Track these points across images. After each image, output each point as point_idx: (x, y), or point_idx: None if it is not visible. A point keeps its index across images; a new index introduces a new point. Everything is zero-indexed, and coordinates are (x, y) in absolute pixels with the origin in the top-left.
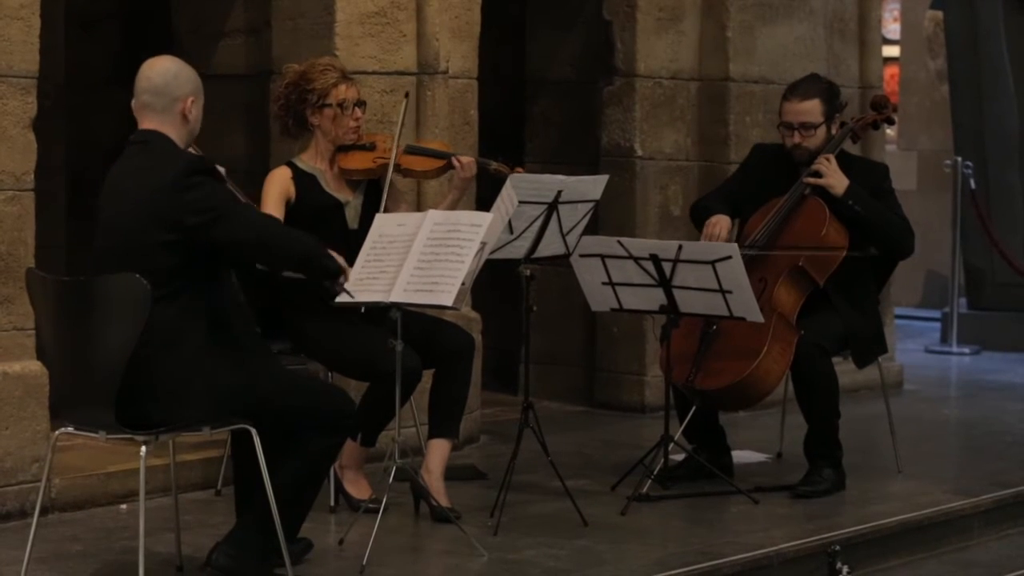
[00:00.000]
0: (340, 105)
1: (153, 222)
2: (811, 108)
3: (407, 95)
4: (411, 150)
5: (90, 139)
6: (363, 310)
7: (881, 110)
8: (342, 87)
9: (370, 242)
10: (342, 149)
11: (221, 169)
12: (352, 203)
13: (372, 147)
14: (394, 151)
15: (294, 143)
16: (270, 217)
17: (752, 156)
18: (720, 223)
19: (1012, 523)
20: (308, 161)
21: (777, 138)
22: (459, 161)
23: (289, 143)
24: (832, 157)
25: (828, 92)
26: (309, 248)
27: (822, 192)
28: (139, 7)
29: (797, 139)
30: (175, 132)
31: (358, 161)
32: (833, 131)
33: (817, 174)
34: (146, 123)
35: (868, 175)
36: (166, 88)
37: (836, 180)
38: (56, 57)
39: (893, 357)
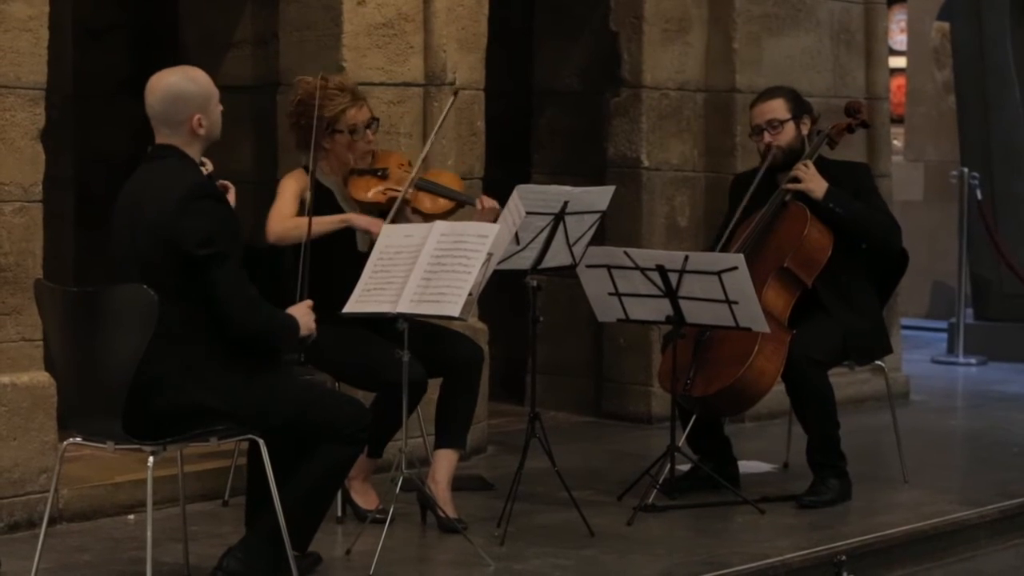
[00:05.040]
0: (351, 131)
1: (159, 244)
2: (776, 106)
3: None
4: (423, 186)
5: (98, 150)
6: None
7: (855, 115)
8: (351, 111)
9: (377, 253)
10: (354, 172)
11: (230, 188)
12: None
13: (383, 175)
14: (406, 187)
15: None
16: (256, 294)
17: (734, 188)
18: None
19: (1018, 533)
20: (325, 173)
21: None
22: (482, 203)
23: (297, 154)
24: (810, 163)
25: (792, 93)
26: (267, 329)
27: (804, 197)
28: (147, 18)
29: (767, 138)
30: (188, 145)
31: (364, 190)
32: (803, 131)
33: (796, 180)
34: (160, 137)
35: (850, 175)
36: (168, 115)
37: (815, 184)
38: (64, 68)
39: (899, 367)
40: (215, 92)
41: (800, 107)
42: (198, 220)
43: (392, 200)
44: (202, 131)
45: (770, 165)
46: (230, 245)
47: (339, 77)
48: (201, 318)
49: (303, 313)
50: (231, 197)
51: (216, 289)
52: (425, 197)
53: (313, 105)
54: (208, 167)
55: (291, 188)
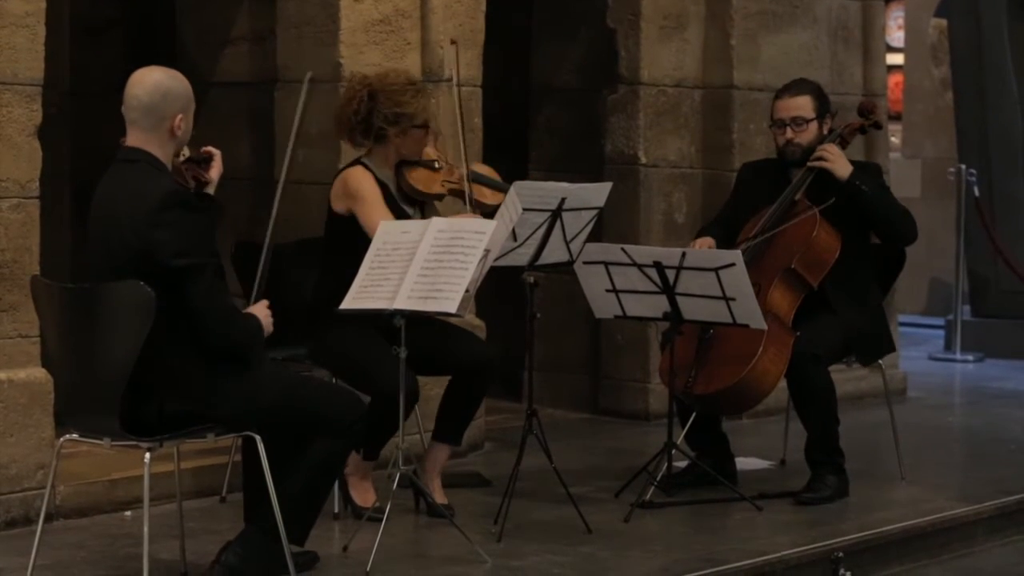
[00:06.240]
0: (427, 125)
1: (133, 255)
2: (803, 103)
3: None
4: (476, 178)
5: (95, 147)
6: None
7: (868, 116)
8: (425, 106)
9: (374, 249)
10: (407, 164)
11: (215, 154)
12: (415, 218)
13: (432, 167)
14: (468, 187)
15: (296, 152)
16: (233, 304)
17: (741, 176)
18: (702, 244)
19: (1015, 530)
20: (379, 168)
21: (766, 152)
22: None
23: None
24: (833, 146)
25: (819, 91)
26: (245, 340)
27: (814, 196)
28: (145, 15)
29: (789, 135)
30: (161, 149)
31: (428, 183)
32: (824, 130)
33: (821, 159)
34: (133, 138)
35: (862, 174)
36: (154, 108)
37: (840, 165)
38: (61, 64)
39: (897, 364)
40: (193, 97)
41: (824, 106)
42: (171, 231)
43: (453, 191)
44: (179, 133)
45: (786, 161)
46: (205, 255)
47: (405, 71)
48: (180, 325)
49: (263, 313)
50: (216, 166)
51: (193, 301)
52: (483, 189)
53: (388, 107)
54: (185, 152)
55: (374, 189)
